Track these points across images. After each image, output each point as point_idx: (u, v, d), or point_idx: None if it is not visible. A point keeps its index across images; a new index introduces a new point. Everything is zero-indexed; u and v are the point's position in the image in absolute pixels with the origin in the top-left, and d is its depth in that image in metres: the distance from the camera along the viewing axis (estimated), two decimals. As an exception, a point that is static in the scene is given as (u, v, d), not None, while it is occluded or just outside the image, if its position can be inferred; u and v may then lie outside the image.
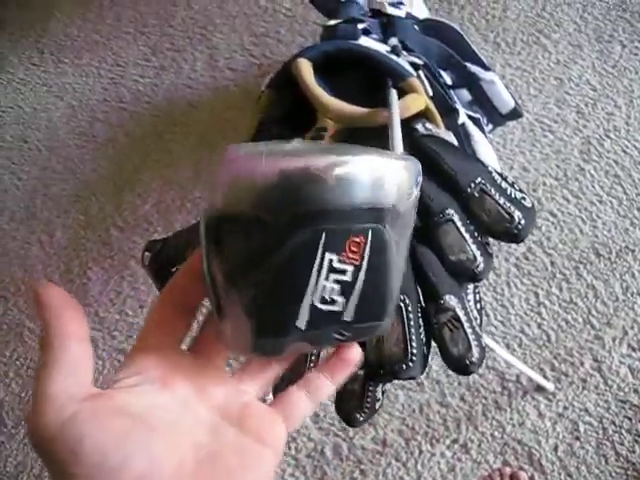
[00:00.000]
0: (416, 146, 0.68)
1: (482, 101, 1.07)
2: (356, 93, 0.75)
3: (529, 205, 0.65)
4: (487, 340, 1.20)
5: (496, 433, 1.32)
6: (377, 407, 0.69)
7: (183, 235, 0.62)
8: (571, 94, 1.54)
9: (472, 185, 0.61)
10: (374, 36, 0.83)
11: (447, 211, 0.60)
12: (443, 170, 0.64)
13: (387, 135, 0.65)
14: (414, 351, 0.61)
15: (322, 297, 0.36)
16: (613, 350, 1.33)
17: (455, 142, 0.72)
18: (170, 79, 1.84)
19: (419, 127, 0.71)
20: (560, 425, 1.30)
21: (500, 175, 0.65)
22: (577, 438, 1.29)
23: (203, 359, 0.41)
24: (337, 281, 0.36)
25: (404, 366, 0.61)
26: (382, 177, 0.35)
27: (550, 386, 1.33)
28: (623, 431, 1.27)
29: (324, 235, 0.34)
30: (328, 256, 0.35)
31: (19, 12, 2.07)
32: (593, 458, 1.27)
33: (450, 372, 1.27)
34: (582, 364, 1.33)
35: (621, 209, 1.42)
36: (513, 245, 1.44)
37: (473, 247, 0.61)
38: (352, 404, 0.65)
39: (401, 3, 1.01)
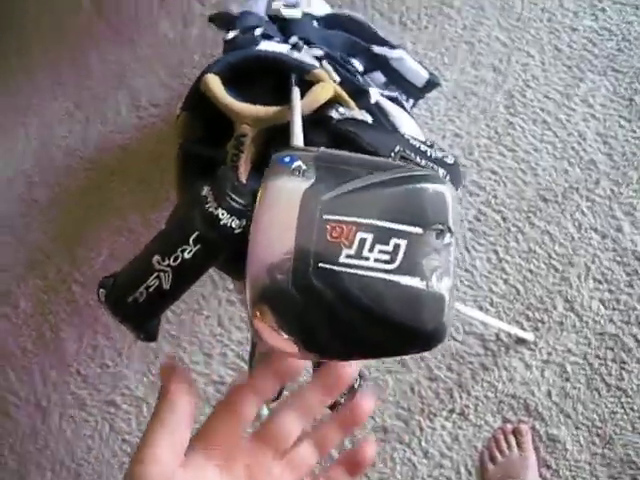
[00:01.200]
0: (334, 131, 0.69)
1: (396, 79, 1.09)
2: (270, 96, 0.77)
3: (451, 161, 0.66)
4: (459, 306, 1.23)
5: (489, 394, 1.34)
6: (355, 387, 0.70)
7: (133, 264, 0.63)
8: (484, 54, 1.58)
9: (392, 155, 0.63)
10: (275, 39, 0.84)
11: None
12: (363, 147, 0.65)
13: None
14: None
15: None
16: (581, 287, 1.36)
17: (370, 119, 0.74)
18: (97, 129, 1.84)
19: (333, 113, 0.73)
20: (548, 371, 1.33)
21: (418, 140, 0.66)
22: (567, 379, 1.31)
23: (259, 443, 0.45)
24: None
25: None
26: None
27: (530, 336, 1.36)
28: (608, 362, 1.30)
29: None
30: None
31: None
32: (586, 394, 1.29)
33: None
34: (555, 308, 1.36)
35: (557, 152, 1.46)
36: (464, 210, 1.47)
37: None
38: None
39: (296, 5, 1.02)
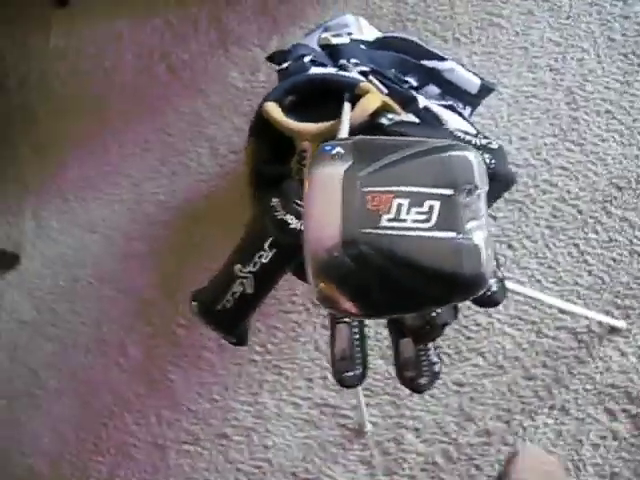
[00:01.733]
0: (387, 135, 0.76)
1: (450, 89, 1.14)
2: (326, 114, 0.84)
3: (495, 146, 0.71)
4: (550, 299, 1.25)
5: (588, 386, 1.33)
6: (437, 370, 0.74)
7: (217, 276, 0.71)
8: (539, 57, 1.61)
9: (435, 144, 0.68)
10: (323, 64, 0.92)
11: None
12: (414, 144, 0.71)
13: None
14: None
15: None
16: (667, 269, 1.35)
17: (417, 120, 0.80)
18: (184, 181, 1.97)
19: (383, 120, 0.80)
20: (645, 356, 1.31)
21: (462, 131, 0.72)
22: (665, 363, 1.30)
23: None
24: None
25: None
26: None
27: (622, 324, 1.35)
28: None
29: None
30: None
31: (35, 168, 2.25)
32: (686, 374, 1.27)
33: (526, 346, 1.32)
34: (643, 292, 1.35)
35: (624, 139, 1.46)
36: (538, 209, 1.48)
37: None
38: (411, 371, 0.71)
39: (345, 33, 1.10)
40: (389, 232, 0.45)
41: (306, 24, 1.86)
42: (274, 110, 0.79)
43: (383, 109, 0.80)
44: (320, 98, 0.86)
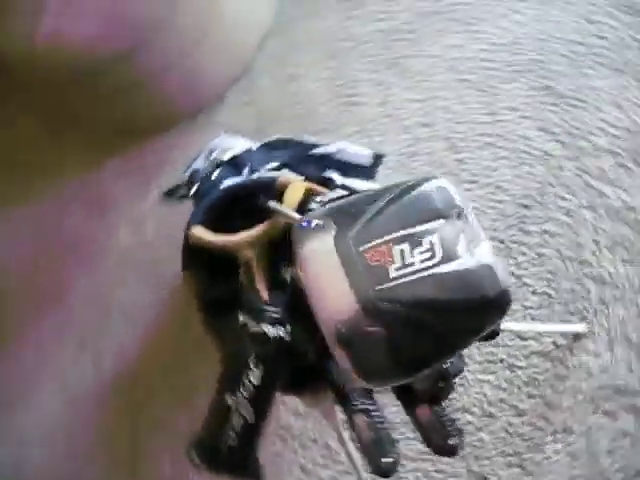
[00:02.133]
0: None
1: (346, 168, 1.15)
2: (255, 220, 0.82)
3: None
4: (509, 325, 1.25)
5: (579, 397, 1.34)
6: (459, 426, 0.71)
7: (210, 413, 0.65)
8: (406, 118, 1.67)
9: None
10: (232, 177, 0.91)
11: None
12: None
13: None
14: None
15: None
16: (600, 261, 1.40)
17: (346, 192, 0.79)
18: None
19: (313, 205, 0.79)
20: (617, 348, 1.33)
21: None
22: (635, 345, 1.32)
23: None
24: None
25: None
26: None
27: (582, 327, 1.37)
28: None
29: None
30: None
31: None
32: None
33: (505, 385, 1.30)
34: (589, 291, 1.38)
35: (512, 162, 1.53)
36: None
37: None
38: (439, 435, 0.67)
39: (231, 148, 1.10)
40: (402, 280, 0.43)
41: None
42: (203, 233, 0.77)
43: (309, 195, 0.79)
44: (236, 209, 0.85)
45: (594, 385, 1.33)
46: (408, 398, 0.67)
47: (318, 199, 0.80)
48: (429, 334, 0.43)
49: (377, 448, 0.59)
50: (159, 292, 1.71)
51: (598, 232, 1.42)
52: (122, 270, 1.85)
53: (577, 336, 1.37)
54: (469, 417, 1.38)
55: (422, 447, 0.74)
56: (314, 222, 0.45)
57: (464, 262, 0.43)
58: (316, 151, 1.11)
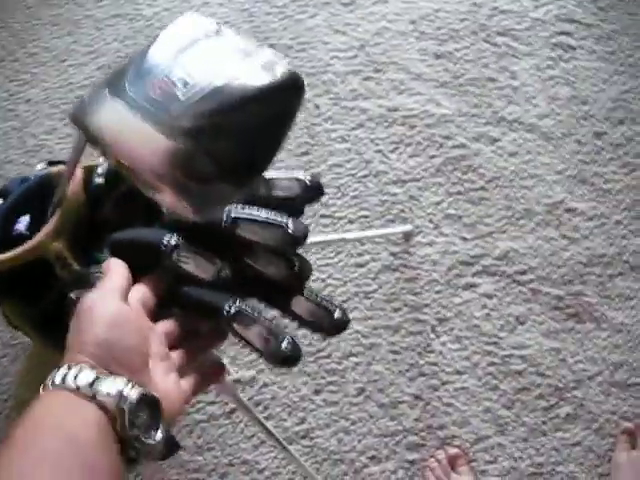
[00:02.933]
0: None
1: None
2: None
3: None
4: (346, 235, 1.26)
5: (436, 287, 1.37)
6: (332, 300, 0.68)
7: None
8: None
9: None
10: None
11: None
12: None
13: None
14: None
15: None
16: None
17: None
18: None
19: (97, 179, 0.75)
20: (444, 227, 1.39)
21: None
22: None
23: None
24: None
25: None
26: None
27: (407, 227, 1.41)
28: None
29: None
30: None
31: None
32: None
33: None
34: (395, 195, 1.43)
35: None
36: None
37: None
38: (325, 316, 0.64)
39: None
40: (193, 98, 0.41)
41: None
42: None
43: (90, 172, 0.74)
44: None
45: (443, 269, 1.38)
46: (279, 298, 0.64)
47: (99, 170, 0.76)
48: (242, 132, 0.42)
49: (272, 337, 0.55)
50: None
51: (376, 142, 1.48)
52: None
53: (407, 236, 1.41)
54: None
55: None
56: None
57: (247, 67, 0.42)
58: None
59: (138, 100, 0.42)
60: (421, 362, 1.33)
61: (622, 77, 1.46)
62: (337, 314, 0.64)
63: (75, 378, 0.43)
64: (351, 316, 1.33)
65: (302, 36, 1.60)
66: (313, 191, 0.68)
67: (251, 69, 0.42)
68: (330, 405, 1.33)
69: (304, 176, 0.68)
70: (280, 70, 0.43)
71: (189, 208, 0.44)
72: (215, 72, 0.42)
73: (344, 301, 1.38)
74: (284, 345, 0.54)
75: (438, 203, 1.42)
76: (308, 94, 1.44)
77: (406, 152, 1.46)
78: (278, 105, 0.44)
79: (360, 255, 1.41)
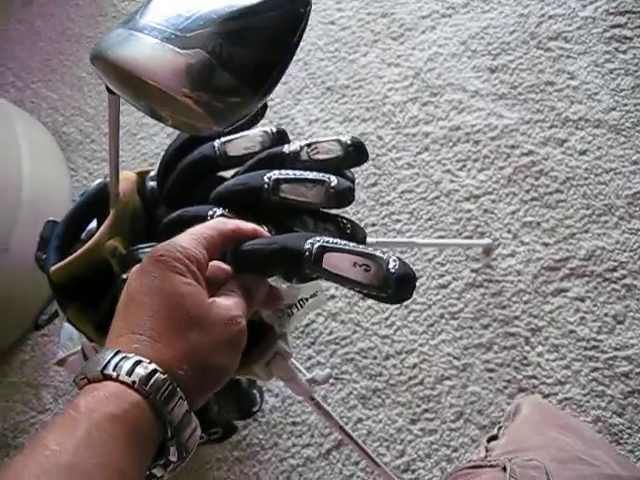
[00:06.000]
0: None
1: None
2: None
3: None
4: (423, 241, 1.23)
5: (525, 297, 1.32)
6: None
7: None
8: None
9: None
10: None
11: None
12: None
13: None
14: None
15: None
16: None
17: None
18: None
19: (150, 183, 0.79)
20: (523, 235, 1.35)
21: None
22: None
23: None
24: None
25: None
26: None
27: (487, 240, 1.38)
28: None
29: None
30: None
31: None
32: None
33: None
34: (469, 212, 1.41)
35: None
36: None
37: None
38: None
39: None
40: (196, 14, 0.43)
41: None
42: (61, 263, 0.72)
43: (142, 178, 0.79)
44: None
45: (529, 278, 1.33)
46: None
47: (152, 174, 0.80)
48: (254, 37, 0.43)
49: (371, 262, 0.49)
50: None
51: (443, 163, 1.47)
52: None
53: (486, 250, 1.38)
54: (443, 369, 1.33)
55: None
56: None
57: None
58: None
59: (150, 25, 0.44)
60: (519, 377, 1.28)
61: (686, 57, 1.41)
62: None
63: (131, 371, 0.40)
64: (439, 338, 1.33)
65: (357, 74, 1.63)
66: (354, 151, 0.68)
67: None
68: (429, 434, 1.28)
69: (345, 137, 0.68)
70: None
71: (210, 119, 0.44)
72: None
73: (430, 325, 1.35)
74: (390, 265, 0.47)
75: (514, 212, 1.39)
76: (370, 127, 1.49)
77: (474, 167, 1.45)
78: (285, 9, 0.44)
79: (442, 276, 1.38)
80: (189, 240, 0.47)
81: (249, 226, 0.53)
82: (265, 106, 0.73)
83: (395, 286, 0.47)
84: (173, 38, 0.43)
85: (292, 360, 0.82)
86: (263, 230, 0.54)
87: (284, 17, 0.44)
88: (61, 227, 0.77)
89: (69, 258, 0.70)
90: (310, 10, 0.45)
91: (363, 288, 0.48)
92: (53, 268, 0.71)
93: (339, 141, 0.69)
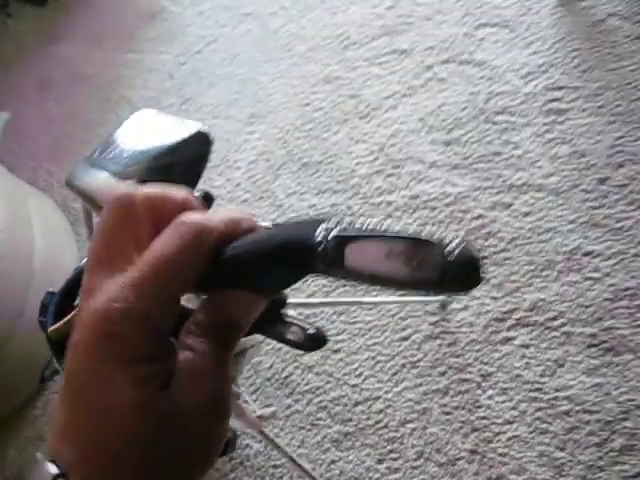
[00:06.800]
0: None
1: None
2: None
3: None
4: (379, 299, 1.39)
5: (476, 347, 1.47)
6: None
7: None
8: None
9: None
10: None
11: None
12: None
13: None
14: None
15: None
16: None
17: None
18: None
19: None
20: (476, 290, 1.51)
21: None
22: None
23: None
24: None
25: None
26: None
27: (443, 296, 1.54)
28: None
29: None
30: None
31: None
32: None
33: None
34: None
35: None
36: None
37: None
38: (297, 330, 0.67)
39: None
40: (134, 151, 0.62)
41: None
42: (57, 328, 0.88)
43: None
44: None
45: (480, 329, 1.48)
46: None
47: None
48: (172, 167, 0.61)
49: (415, 250, 0.42)
50: None
51: (404, 228, 1.64)
52: None
53: (442, 305, 1.54)
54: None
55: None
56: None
57: (172, 129, 0.63)
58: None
59: (102, 161, 0.62)
60: (472, 418, 1.42)
61: (614, 126, 1.57)
62: (311, 331, 0.63)
63: None
64: (402, 386, 1.48)
65: (329, 151, 1.83)
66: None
67: (174, 130, 0.62)
68: (393, 472, 1.42)
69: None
70: (194, 128, 0.62)
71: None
72: (148, 138, 0.62)
73: (394, 374, 1.51)
74: (448, 248, 0.32)
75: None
76: (341, 198, 1.67)
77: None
78: (194, 148, 0.62)
79: (403, 330, 1.54)
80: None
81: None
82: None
83: (455, 279, 0.32)
84: (118, 172, 0.61)
85: (243, 397, 0.98)
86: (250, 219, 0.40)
87: (196, 153, 0.62)
88: (57, 296, 0.95)
89: (64, 320, 0.87)
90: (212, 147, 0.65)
91: (404, 287, 0.33)
92: (51, 329, 0.88)
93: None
